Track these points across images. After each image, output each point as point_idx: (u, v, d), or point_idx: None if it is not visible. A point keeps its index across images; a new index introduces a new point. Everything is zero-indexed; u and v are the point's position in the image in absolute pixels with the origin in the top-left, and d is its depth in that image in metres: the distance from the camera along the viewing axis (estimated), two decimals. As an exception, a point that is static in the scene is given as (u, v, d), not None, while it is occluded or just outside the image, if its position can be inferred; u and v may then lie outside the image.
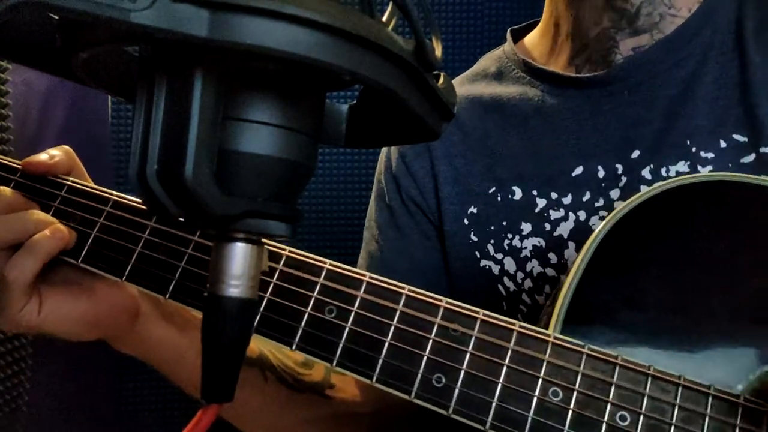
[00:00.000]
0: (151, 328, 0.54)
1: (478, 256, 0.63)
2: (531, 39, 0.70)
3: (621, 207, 0.48)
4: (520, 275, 0.61)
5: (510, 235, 0.61)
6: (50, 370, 0.80)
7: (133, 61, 0.27)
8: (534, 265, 0.60)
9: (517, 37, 0.71)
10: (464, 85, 0.70)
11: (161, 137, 0.22)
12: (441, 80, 0.26)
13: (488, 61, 0.72)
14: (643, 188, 0.53)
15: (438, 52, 0.24)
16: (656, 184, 0.48)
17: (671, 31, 0.58)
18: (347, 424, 0.63)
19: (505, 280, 0.62)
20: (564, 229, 0.59)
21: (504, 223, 0.62)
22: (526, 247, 0.60)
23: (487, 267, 0.63)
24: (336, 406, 0.61)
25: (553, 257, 0.59)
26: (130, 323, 0.53)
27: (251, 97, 0.24)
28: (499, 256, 0.62)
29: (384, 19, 0.25)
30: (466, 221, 0.64)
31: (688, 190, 0.48)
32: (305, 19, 0.19)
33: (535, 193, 0.61)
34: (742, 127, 0.54)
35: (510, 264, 0.61)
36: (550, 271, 0.59)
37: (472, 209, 0.64)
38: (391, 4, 0.25)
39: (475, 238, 0.64)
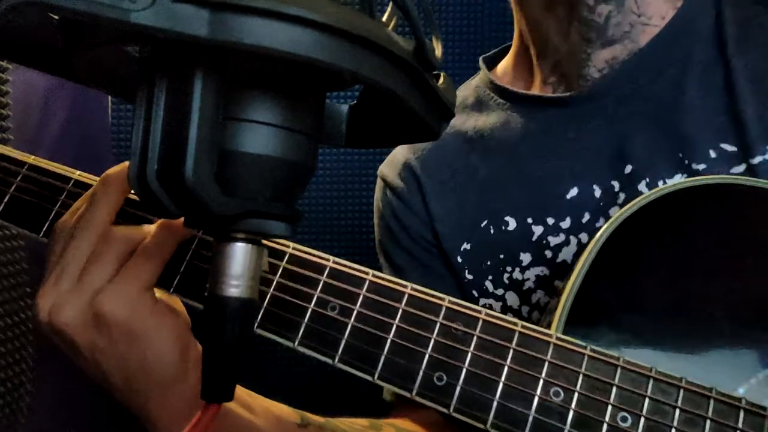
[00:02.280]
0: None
1: (476, 294, 0.62)
2: (503, 66, 0.69)
3: (623, 210, 0.48)
4: (525, 309, 0.59)
5: (509, 268, 0.60)
6: (52, 370, 0.80)
7: (133, 61, 0.27)
8: (540, 296, 0.58)
9: (490, 64, 0.70)
10: None
11: (161, 137, 0.22)
12: (441, 80, 0.26)
13: (465, 91, 0.70)
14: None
15: (438, 52, 0.24)
16: (657, 188, 0.48)
17: (646, 41, 0.57)
18: None
19: (509, 316, 0.60)
20: (567, 254, 0.57)
21: (501, 257, 0.60)
22: (528, 279, 0.59)
23: (487, 306, 0.61)
24: None
25: (560, 285, 0.57)
26: (183, 362, 0.44)
27: (252, 97, 0.24)
28: (500, 291, 0.60)
29: (384, 19, 0.25)
30: (459, 259, 0.63)
31: (688, 194, 0.48)
32: (305, 19, 0.19)
33: (530, 221, 0.59)
34: (731, 135, 0.52)
35: (513, 299, 0.59)
36: None
37: (465, 246, 0.63)
38: (391, 4, 0.25)
39: (470, 276, 0.62)
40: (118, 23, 0.18)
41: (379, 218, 0.71)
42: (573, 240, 0.57)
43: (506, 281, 0.60)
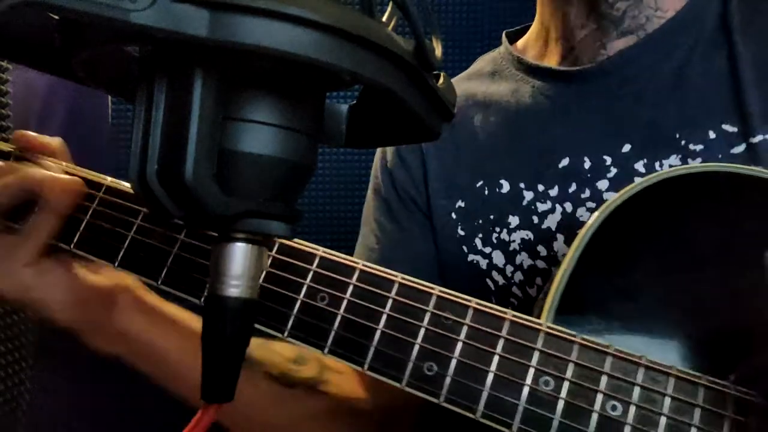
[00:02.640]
0: (128, 321, 0.55)
1: (466, 250, 0.64)
2: (525, 41, 0.72)
3: (613, 198, 0.48)
4: (509, 268, 0.61)
5: (498, 229, 0.62)
6: (51, 369, 0.80)
7: (133, 61, 0.27)
8: (524, 258, 0.60)
9: (513, 39, 0.73)
10: (459, 85, 0.71)
11: (161, 137, 0.22)
12: (441, 80, 0.26)
13: (483, 62, 0.73)
14: (637, 180, 0.53)
15: (438, 52, 0.24)
16: (648, 176, 0.49)
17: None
18: (346, 420, 0.63)
19: (494, 274, 0.62)
20: (551, 222, 0.59)
21: (491, 217, 0.63)
22: (514, 240, 0.61)
23: (475, 261, 0.63)
24: (331, 402, 0.61)
25: (542, 250, 0.60)
26: (108, 311, 0.54)
27: (251, 97, 0.24)
28: (488, 249, 0.63)
29: (384, 19, 0.25)
30: (453, 215, 0.65)
31: (680, 182, 0.48)
32: (306, 20, 0.19)
33: (522, 186, 0.62)
34: (732, 117, 0.54)
35: (499, 258, 0.62)
36: (540, 264, 0.59)
37: (460, 203, 0.65)
38: (391, 4, 0.25)
39: (462, 233, 0.64)
40: (118, 23, 0.18)
41: (373, 176, 0.74)
42: (558, 208, 0.59)
43: (494, 241, 0.62)
